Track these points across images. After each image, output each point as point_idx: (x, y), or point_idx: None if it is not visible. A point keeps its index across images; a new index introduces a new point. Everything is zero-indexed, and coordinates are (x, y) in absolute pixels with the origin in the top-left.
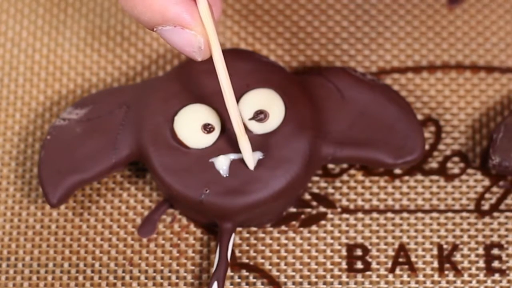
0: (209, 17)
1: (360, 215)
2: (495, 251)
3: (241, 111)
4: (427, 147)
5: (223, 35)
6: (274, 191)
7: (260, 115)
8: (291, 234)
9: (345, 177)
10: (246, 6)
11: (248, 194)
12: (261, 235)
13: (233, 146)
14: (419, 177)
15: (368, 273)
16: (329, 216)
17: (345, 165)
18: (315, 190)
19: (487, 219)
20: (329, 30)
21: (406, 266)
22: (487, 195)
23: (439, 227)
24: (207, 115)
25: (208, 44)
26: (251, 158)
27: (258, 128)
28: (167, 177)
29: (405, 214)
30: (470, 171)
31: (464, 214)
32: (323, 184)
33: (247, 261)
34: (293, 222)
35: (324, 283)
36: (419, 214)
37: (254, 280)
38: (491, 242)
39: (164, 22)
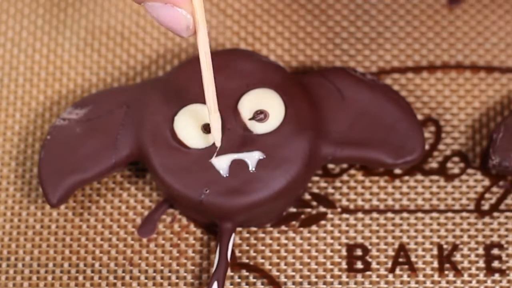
0: None
1: (360, 215)
2: (495, 251)
3: (241, 111)
4: (427, 147)
5: (223, 35)
6: (274, 191)
7: (260, 115)
8: (291, 234)
9: (345, 177)
10: (245, 6)
11: (248, 194)
12: (261, 235)
13: (233, 146)
14: (419, 177)
15: (368, 273)
16: (329, 216)
17: (345, 165)
18: (315, 190)
19: (487, 219)
20: (329, 30)
21: (406, 266)
22: (487, 195)
23: (439, 227)
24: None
25: (195, 23)
26: (219, 134)
27: (258, 128)
28: (167, 177)
29: (405, 214)
30: (470, 171)
31: (464, 214)
32: (323, 184)
33: (247, 261)
34: (293, 222)
35: (324, 283)
36: (419, 214)
37: (254, 280)
38: (491, 242)
39: None
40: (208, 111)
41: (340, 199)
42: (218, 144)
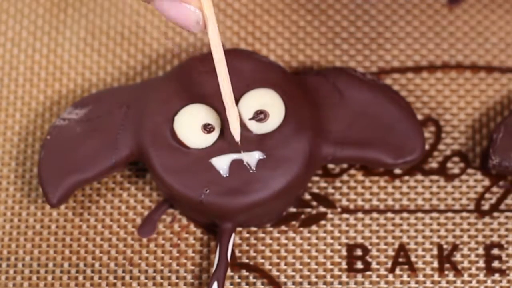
0: None
1: (360, 215)
2: (495, 251)
3: (241, 111)
4: (427, 147)
5: (223, 35)
6: (274, 191)
7: (260, 115)
8: (291, 234)
9: (345, 177)
10: (245, 6)
11: (248, 194)
12: (261, 235)
13: (233, 146)
14: (419, 177)
15: (368, 273)
16: (329, 216)
17: (345, 165)
18: (315, 190)
19: (487, 219)
20: (329, 30)
21: (406, 266)
22: (487, 195)
23: (439, 227)
24: (207, 115)
25: (205, 18)
26: (238, 129)
27: (258, 128)
28: (167, 177)
29: (405, 214)
30: (470, 171)
31: (464, 214)
32: (323, 184)
33: (247, 261)
34: (293, 222)
35: (324, 283)
36: (419, 214)
37: (254, 280)
38: (491, 242)
39: None
40: (225, 105)
41: (340, 199)
42: (237, 139)
